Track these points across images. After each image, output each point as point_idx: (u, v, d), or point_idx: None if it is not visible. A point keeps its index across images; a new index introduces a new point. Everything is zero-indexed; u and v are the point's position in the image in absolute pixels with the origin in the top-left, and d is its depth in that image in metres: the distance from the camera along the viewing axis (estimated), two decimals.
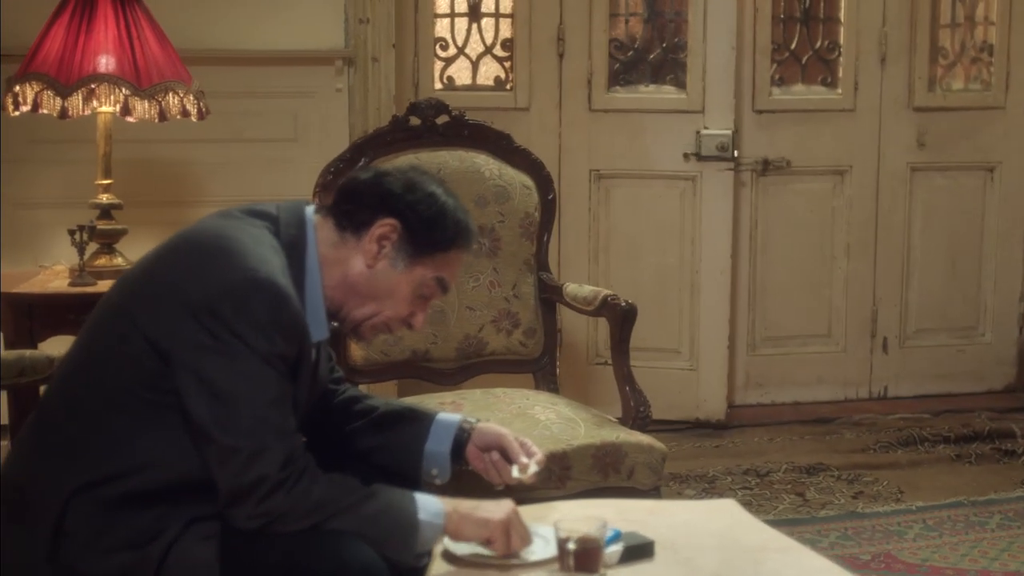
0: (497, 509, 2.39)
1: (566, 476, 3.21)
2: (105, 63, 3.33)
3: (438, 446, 2.59)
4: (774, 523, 4.09)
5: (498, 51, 5.13)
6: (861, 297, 5.49)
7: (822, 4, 5.33)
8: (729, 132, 5.03)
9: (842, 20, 5.35)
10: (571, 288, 3.75)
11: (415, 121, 3.82)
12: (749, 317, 5.40)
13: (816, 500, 4.36)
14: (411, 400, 3.66)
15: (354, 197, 2.38)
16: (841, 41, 5.35)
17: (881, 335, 5.53)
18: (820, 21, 5.35)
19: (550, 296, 3.81)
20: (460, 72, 5.12)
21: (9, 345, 3.33)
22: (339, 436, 2.63)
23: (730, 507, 2.72)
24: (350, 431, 2.63)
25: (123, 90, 3.33)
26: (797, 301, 5.44)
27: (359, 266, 2.35)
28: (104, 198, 3.57)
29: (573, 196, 5.18)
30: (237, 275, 2.16)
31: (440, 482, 2.60)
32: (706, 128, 5.06)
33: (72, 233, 3.38)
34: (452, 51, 5.08)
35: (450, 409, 3.39)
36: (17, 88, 3.37)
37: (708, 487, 4.50)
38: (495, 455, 2.59)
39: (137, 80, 3.35)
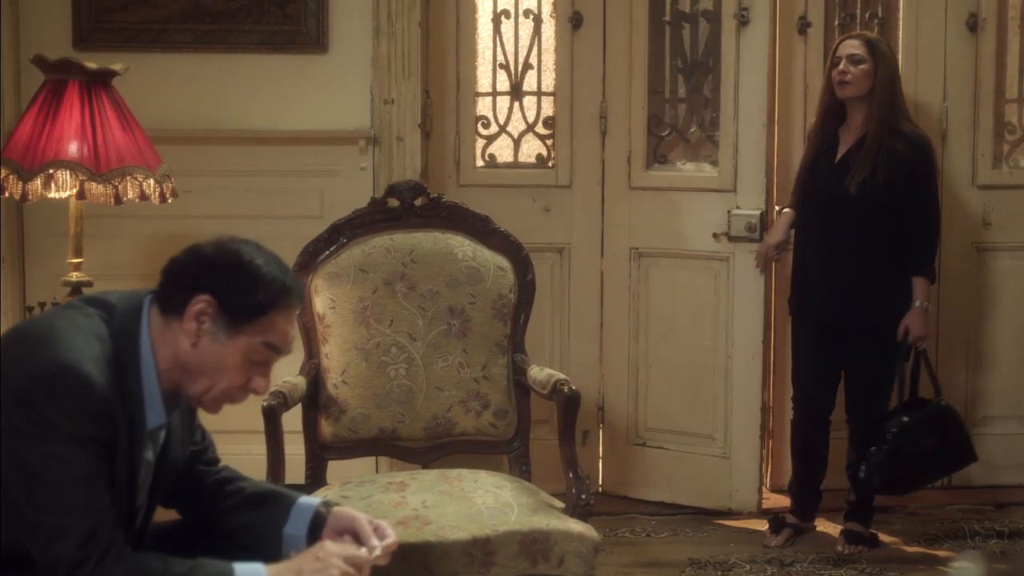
0: (316, 560, 2.47)
1: (490, 562, 3.20)
2: (65, 149, 3.53)
3: (296, 529, 2.68)
4: None
5: (540, 129, 5.17)
6: (925, 381, 5.27)
7: None
8: (758, 212, 4.89)
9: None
10: (533, 371, 3.75)
11: (394, 202, 3.90)
12: None
13: None
14: (368, 475, 3.74)
15: (170, 280, 2.46)
16: None
17: None
18: (902, 92, 5.17)
19: (521, 378, 3.81)
20: (502, 149, 5.17)
21: None
22: (209, 516, 2.73)
23: None
24: (219, 511, 2.73)
25: (80, 175, 3.53)
26: None
27: (185, 345, 2.43)
28: (74, 276, 3.77)
29: (614, 274, 5.15)
30: (47, 364, 2.31)
31: None
32: (738, 208, 4.94)
33: (30, 310, 3.58)
34: (494, 129, 5.15)
35: (395, 488, 3.46)
36: None
37: (722, 575, 4.39)
38: (347, 539, 2.64)
39: (96, 165, 3.54)
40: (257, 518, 2.69)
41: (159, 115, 4.62)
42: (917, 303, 4.50)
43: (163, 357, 2.44)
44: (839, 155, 4.55)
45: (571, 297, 5.17)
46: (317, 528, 2.66)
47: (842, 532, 4.66)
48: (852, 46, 4.54)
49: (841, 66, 4.51)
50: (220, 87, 4.71)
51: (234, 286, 2.42)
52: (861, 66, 4.50)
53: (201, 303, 2.41)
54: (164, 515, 2.80)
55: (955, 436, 4.55)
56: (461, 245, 3.86)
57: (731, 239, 4.95)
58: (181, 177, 4.58)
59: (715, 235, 4.98)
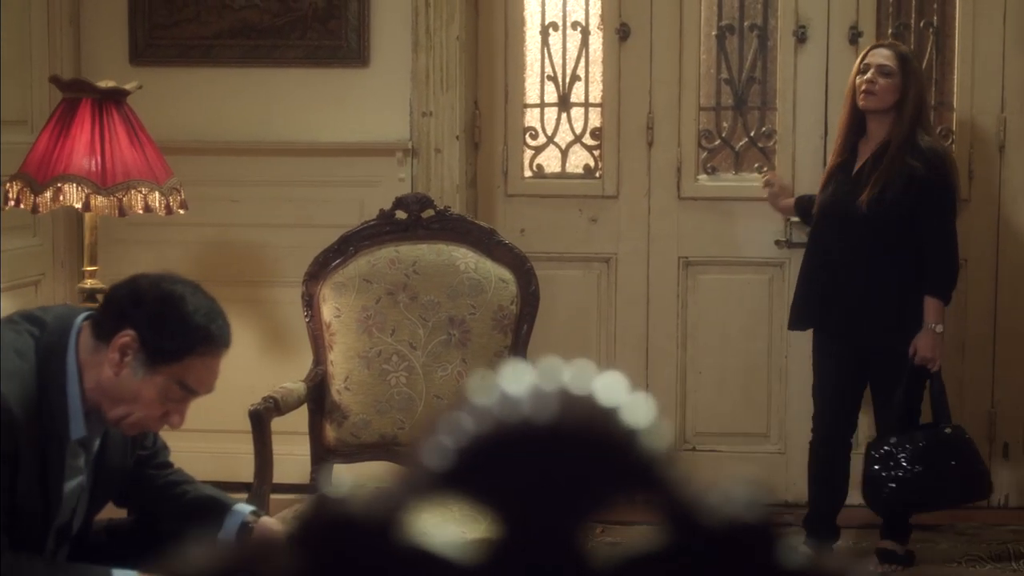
0: None
1: None
2: (75, 164, 3.74)
3: (228, 536, 2.82)
4: None
5: (587, 140, 5.21)
6: (977, 397, 5.15)
7: (932, 90, 5.08)
8: None
9: (955, 107, 5.08)
10: None
11: (401, 215, 4.00)
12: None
13: None
14: (363, 480, 3.84)
15: (106, 307, 2.59)
16: (954, 128, 5.08)
17: (1001, 440, 5.16)
18: (929, 108, 5.09)
19: None
20: (549, 160, 5.23)
21: None
22: (156, 519, 2.89)
23: None
24: (163, 514, 2.89)
25: (85, 189, 3.73)
26: None
27: (108, 372, 2.54)
28: (88, 283, 3.97)
29: (661, 283, 5.18)
30: None
31: None
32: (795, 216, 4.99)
33: None
34: (542, 140, 5.21)
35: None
36: (7, 186, 3.86)
37: None
38: None
39: (101, 179, 3.73)
40: (196, 523, 2.84)
41: (206, 127, 4.84)
42: (928, 325, 4.37)
43: (89, 377, 2.57)
44: (855, 168, 4.46)
45: (617, 307, 5.20)
46: (244, 535, 2.80)
47: (876, 551, 4.58)
48: (883, 56, 4.42)
49: (869, 75, 4.39)
50: (265, 100, 4.88)
51: (158, 327, 2.52)
52: (890, 79, 4.38)
53: (126, 337, 2.52)
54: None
55: (951, 466, 4.39)
56: (464, 257, 3.94)
57: (791, 246, 5.02)
58: (226, 187, 4.81)
59: (778, 242, 5.06)
